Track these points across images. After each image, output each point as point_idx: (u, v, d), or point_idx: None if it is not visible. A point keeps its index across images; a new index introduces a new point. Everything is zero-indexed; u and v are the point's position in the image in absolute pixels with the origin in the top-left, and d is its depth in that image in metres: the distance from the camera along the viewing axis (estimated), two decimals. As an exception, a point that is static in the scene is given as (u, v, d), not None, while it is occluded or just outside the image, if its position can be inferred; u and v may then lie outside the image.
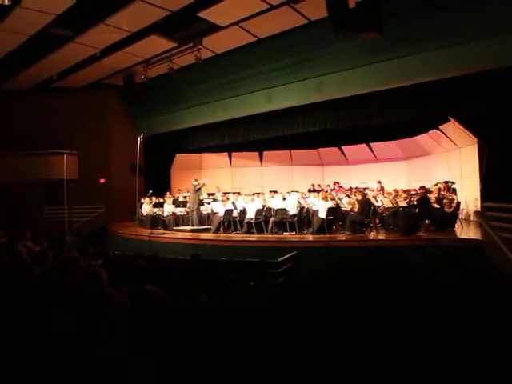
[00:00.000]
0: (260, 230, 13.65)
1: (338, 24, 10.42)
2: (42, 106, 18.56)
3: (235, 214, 14.25)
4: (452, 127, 14.40)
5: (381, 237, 12.21)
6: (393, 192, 13.86)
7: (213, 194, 17.58)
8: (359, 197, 12.86)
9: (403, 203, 12.49)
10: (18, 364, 2.95)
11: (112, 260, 7.82)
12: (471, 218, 13.92)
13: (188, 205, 16.04)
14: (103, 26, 12.54)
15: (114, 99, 19.42)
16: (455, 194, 12.77)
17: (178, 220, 16.46)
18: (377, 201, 13.56)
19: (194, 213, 15.35)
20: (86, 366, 2.96)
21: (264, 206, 14.08)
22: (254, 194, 15.71)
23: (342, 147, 20.39)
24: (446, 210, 12.19)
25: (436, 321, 5.21)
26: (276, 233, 13.37)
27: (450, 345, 4.35)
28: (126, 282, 4.65)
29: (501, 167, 11.31)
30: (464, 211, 14.26)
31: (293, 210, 13.43)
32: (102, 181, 19.37)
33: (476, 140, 13.23)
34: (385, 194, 14.06)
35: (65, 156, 17.07)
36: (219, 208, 14.75)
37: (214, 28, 13.15)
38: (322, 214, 12.66)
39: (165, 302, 3.89)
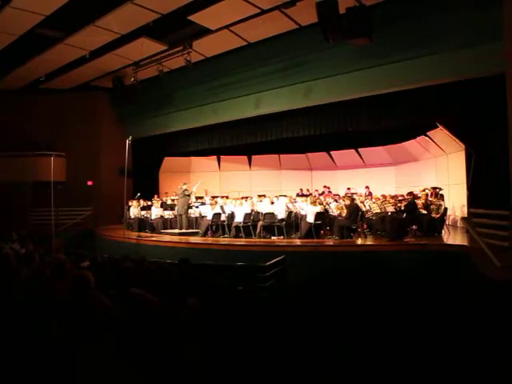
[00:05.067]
0: (248, 234, 13.65)
1: (328, 29, 10.47)
2: (30, 107, 18.44)
3: (223, 217, 14.24)
4: (440, 133, 14.51)
5: (368, 242, 12.25)
6: (381, 197, 13.93)
7: (201, 198, 17.55)
8: (347, 202, 12.90)
9: (391, 208, 12.55)
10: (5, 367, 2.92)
11: (99, 263, 7.76)
12: (458, 224, 14.01)
13: (176, 208, 15.99)
14: (93, 28, 12.49)
15: (103, 101, 19.34)
16: (442, 199, 12.86)
17: (165, 223, 16.41)
18: (365, 206, 13.63)
19: (183, 217, 15.29)
20: (75, 369, 2.94)
21: (252, 210, 14.09)
22: (242, 197, 15.71)
23: (331, 152, 20.46)
24: (433, 215, 12.28)
25: (422, 325, 5.24)
26: (264, 237, 13.37)
27: (436, 348, 4.37)
28: (113, 285, 4.62)
29: (487, 174, 11.40)
30: (451, 217, 14.36)
31: (281, 214, 13.44)
32: (89, 183, 19.27)
33: (463, 146, 13.33)
34: (373, 200, 14.13)
35: (52, 158, 16.93)
36: (207, 212, 14.74)
37: (205, 31, 13.15)
38: (310, 219, 12.68)
39: (153, 305, 3.87)
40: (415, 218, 12.10)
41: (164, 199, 17.89)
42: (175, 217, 16.20)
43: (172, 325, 3.57)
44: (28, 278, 4.61)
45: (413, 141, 16.72)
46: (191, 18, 12.13)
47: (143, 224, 16.36)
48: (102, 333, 3.36)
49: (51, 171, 16.00)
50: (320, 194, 17.41)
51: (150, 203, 17.08)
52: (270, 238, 13.32)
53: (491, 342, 4.58)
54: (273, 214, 13.37)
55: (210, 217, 14.36)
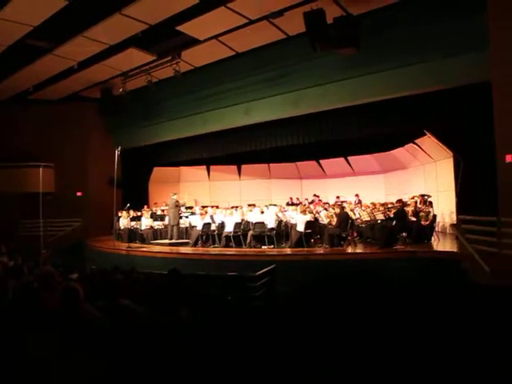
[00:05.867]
0: (238, 244, 13.61)
1: (315, 39, 10.55)
2: (18, 117, 18.35)
3: (213, 227, 14.18)
4: (428, 141, 14.61)
5: (358, 250, 12.26)
6: (370, 205, 13.98)
7: (191, 208, 17.50)
8: (337, 210, 12.92)
9: (380, 216, 12.59)
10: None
11: (88, 274, 7.71)
12: (447, 231, 14.08)
13: (166, 219, 15.93)
14: (81, 39, 12.49)
15: (92, 112, 19.23)
16: (431, 207, 12.91)
17: (155, 234, 16.32)
18: (354, 214, 13.65)
19: (174, 228, 15.22)
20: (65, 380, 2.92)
21: (242, 219, 14.04)
22: (232, 207, 15.69)
23: (320, 161, 20.53)
24: (423, 222, 12.32)
25: (413, 332, 5.24)
26: (254, 246, 13.32)
27: (427, 355, 4.37)
28: (102, 296, 4.59)
29: (476, 180, 11.48)
30: (440, 224, 14.42)
31: (271, 223, 13.42)
32: (79, 194, 19.17)
33: (451, 154, 13.43)
34: (362, 207, 14.17)
35: (40, 169, 16.85)
36: (197, 222, 14.67)
37: (193, 42, 13.19)
38: (300, 228, 12.68)
39: (142, 317, 3.85)
40: (405, 225, 12.14)
41: (154, 209, 17.83)
42: (165, 227, 16.14)
43: (162, 336, 3.55)
44: (16, 291, 4.57)
45: (401, 148, 16.82)
46: (179, 28, 12.15)
47: (133, 235, 16.25)
48: (92, 344, 3.33)
49: (40, 182, 15.91)
50: (310, 203, 17.43)
51: (139, 214, 17.00)
52: (260, 247, 13.28)
53: (482, 348, 4.59)
54: (263, 223, 13.35)
55: (199, 227, 14.29)
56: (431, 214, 12.48)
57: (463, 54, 10.33)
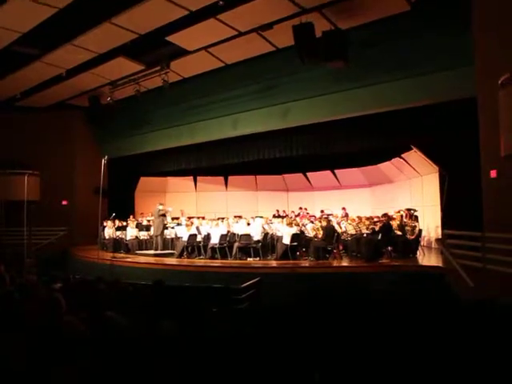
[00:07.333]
0: (224, 256, 13.57)
1: (304, 52, 10.62)
2: (5, 124, 18.17)
3: (199, 238, 14.14)
4: (414, 156, 14.70)
5: (344, 263, 12.27)
6: (356, 219, 14.01)
7: (177, 219, 17.43)
8: (323, 223, 12.94)
9: (366, 230, 12.62)
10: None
11: (72, 284, 7.61)
12: (432, 245, 14.15)
13: (151, 229, 15.85)
14: (70, 46, 12.44)
15: (79, 120, 19.19)
16: (417, 221, 12.97)
17: (141, 244, 16.22)
18: (340, 227, 13.67)
19: (158, 238, 15.16)
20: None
21: (228, 231, 14.01)
22: (218, 218, 15.65)
23: (307, 173, 20.57)
24: (408, 237, 12.37)
25: (398, 348, 5.23)
26: (240, 258, 13.28)
27: (409, 371, 4.35)
28: (86, 307, 4.52)
29: (461, 195, 11.57)
30: (426, 238, 14.48)
31: (257, 235, 13.39)
32: (64, 202, 19.01)
33: (437, 168, 13.54)
34: (348, 221, 14.20)
35: (26, 176, 16.67)
36: (183, 233, 14.61)
37: (182, 52, 13.21)
38: (286, 240, 12.67)
39: (126, 329, 3.79)
40: (390, 239, 12.18)
41: (140, 220, 17.73)
42: (150, 238, 16.05)
43: (146, 348, 3.51)
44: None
45: (388, 163, 16.91)
46: (169, 38, 12.17)
47: (118, 245, 16.14)
48: (75, 356, 3.28)
49: (25, 190, 15.73)
50: (296, 216, 17.43)
51: (125, 223, 16.89)
52: (245, 259, 13.24)
53: (464, 363, 4.59)
54: (249, 235, 13.32)
55: (185, 238, 14.22)
56: (417, 229, 12.54)
57: (450, 69, 10.44)
